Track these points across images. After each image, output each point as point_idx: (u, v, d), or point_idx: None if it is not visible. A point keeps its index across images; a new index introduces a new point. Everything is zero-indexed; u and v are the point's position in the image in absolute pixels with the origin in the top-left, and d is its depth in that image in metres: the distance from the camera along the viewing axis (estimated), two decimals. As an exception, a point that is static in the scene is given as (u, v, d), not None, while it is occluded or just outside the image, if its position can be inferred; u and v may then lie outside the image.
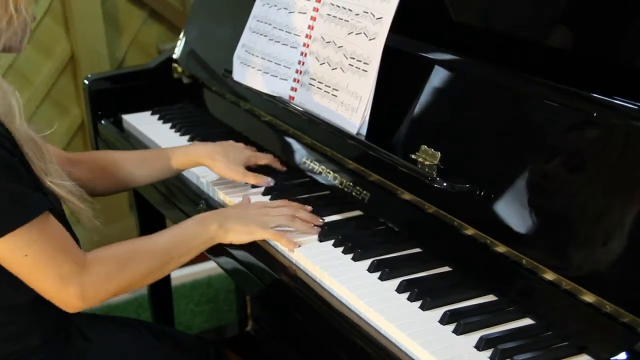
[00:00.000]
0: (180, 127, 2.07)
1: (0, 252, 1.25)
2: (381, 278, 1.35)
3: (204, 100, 2.20)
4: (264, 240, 1.51)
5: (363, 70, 1.58)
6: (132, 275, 1.38)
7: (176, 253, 1.43)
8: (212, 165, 1.71)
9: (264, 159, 1.77)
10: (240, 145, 1.80)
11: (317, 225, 1.51)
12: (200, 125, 2.09)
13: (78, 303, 1.32)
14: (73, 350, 1.45)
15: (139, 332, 1.61)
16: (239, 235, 1.47)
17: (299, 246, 1.45)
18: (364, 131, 1.59)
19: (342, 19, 1.65)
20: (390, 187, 1.52)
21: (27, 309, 1.37)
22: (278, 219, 1.49)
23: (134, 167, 1.70)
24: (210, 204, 1.69)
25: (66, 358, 1.43)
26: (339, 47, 1.64)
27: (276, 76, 1.79)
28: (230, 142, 1.80)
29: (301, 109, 1.71)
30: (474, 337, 1.18)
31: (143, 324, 1.73)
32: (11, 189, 1.24)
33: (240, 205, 1.58)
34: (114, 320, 1.70)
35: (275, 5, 1.84)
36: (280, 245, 1.47)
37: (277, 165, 1.78)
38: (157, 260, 1.41)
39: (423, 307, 1.26)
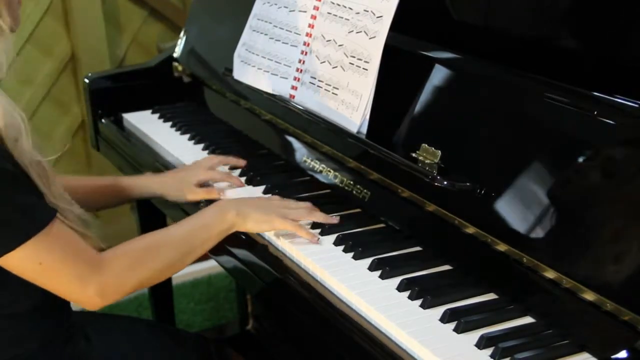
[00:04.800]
0: (181, 126, 2.07)
1: (15, 262, 1.26)
2: (382, 277, 1.35)
3: (205, 99, 2.20)
4: (264, 239, 1.51)
5: (363, 68, 1.58)
6: (151, 268, 1.38)
7: (195, 243, 1.44)
8: (166, 196, 1.72)
9: (218, 175, 1.73)
10: (196, 165, 1.78)
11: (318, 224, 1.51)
12: (201, 124, 2.08)
13: (98, 301, 1.33)
14: (73, 352, 1.45)
15: (139, 331, 1.61)
16: (257, 224, 1.48)
17: (318, 239, 1.46)
18: (364, 130, 1.59)
19: (342, 18, 1.65)
20: (390, 185, 1.52)
21: (25, 317, 1.38)
22: (297, 212, 1.50)
23: (86, 196, 1.65)
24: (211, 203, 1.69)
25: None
26: (340, 45, 1.64)
27: (276, 75, 1.80)
28: (186, 166, 1.81)
29: (301, 108, 1.71)
30: (475, 335, 1.18)
31: (143, 322, 1.73)
32: (19, 200, 1.25)
33: (259, 197, 1.60)
34: (114, 319, 1.70)
35: (275, 4, 1.84)
36: (301, 236, 1.47)
37: (234, 178, 1.74)
38: (177, 251, 1.41)
39: (423, 306, 1.26)
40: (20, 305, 1.35)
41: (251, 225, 1.48)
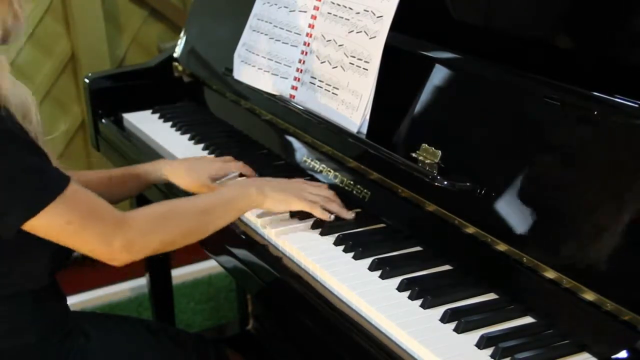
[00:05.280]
0: (181, 126, 2.07)
1: (44, 222, 1.28)
2: (382, 276, 1.35)
3: (205, 99, 2.20)
4: (264, 239, 1.51)
5: (364, 68, 1.58)
6: (172, 231, 1.41)
7: (215, 214, 1.46)
8: (178, 182, 1.69)
9: (234, 168, 1.71)
10: (208, 157, 1.78)
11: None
12: (201, 124, 2.09)
13: (125, 256, 1.35)
14: (72, 348, 1.45)
15: (138, 331, 1.61)
16: (276, 203, 1.51)
17: (332, 217, 1.50)
18: (364, 130, 1.59)
19: (342, 18, 1.65)
20: (390, 185, 1.52)
21: (30, 301, 1.39)
22: (315, 197, 1.53)
23: (107, 188, 1.65)
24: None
25: (64, 356, 1.43)
26: (340, 45, 1.64)
27: (277, 75, 1.80)
28: (200, 156, 1.81)
29: (302, 108, 1.71)
30: (475, 335, 1.18)
31: (143, 322, 1.73)
32: (37, 164, 1.28)
33: (280, 179, 1.62)
34: (113, 319, 1.70)
35: (275, 4, 1.84)
36: (316, 215, 1.50)
37: (247, 171, 1.73)
38: (196, 219, 1.45)
39: (424, 306, 1.26)
40: (29, 284, 1.37)
41: (269, 204, 1.51)
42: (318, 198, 1.53)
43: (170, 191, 1.86)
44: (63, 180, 1.30)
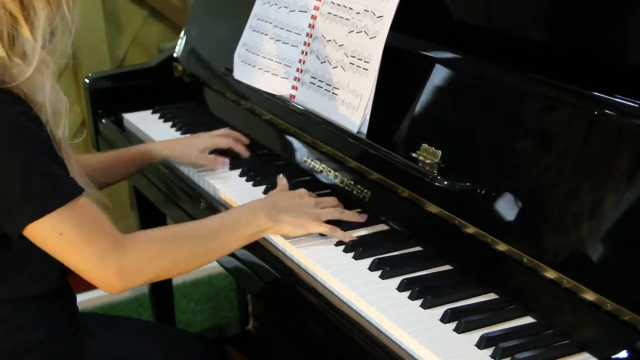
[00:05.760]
0: (181, 126, 2.07)
1: (40, 231, 1.26)
2: (382, 276, 1.35)
3: (205, 99, 2.20)
4: (264, 239, 1.51)
5: (364, 68, 1.58)
6: (173, 258, 1.37)
7: (222, 239, 1.42)
8: (173, 159, 1.81)
9: (224, 142, 1.84)
10: (205, 133, 1.88)
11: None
12: (201, 124, 2.08)
13: (117, 282, 1.31)
14: (78, 346, 1.45)
15: (139, 331, 1.62)
16: (292, 228, 1.46)
17: (357, 238, 1.46)
18: (364, 130, 1.59)
19: (342, 18, 1.65)
20: (391, 185, 1.52)
21: (36, 302, 1.38)
22: (329, 212, 1.50)
23: (105, 169, 1.72)
24: (211, 203, 1.69)
25: (70, 353, 1.43)
26: (340, 45, 1.64)
27: (277, 75, 1.80)
28: (196, 134, 1.91)
29: (302, 108, 1.71)
30: (475, 335, 1.18)
31: (144, 322, 1.74)
32: (51, 169, 1.27)
33: (285, 194, 1.56)
34: (115, 319, 1.71)
35: (275, 4, 1.84)
36: (337, 237, 1.46)
37: (239, 148, 1.86)
38: (202, 245, 1.40)
39: (424, 306, 1.26)
40: (32, 288, 1.36)
41: (286, 229, 1.46)
42: (332, 211, 1.50)
43: (169, 191, 1.86)
44: (76, 190, 1.28)
